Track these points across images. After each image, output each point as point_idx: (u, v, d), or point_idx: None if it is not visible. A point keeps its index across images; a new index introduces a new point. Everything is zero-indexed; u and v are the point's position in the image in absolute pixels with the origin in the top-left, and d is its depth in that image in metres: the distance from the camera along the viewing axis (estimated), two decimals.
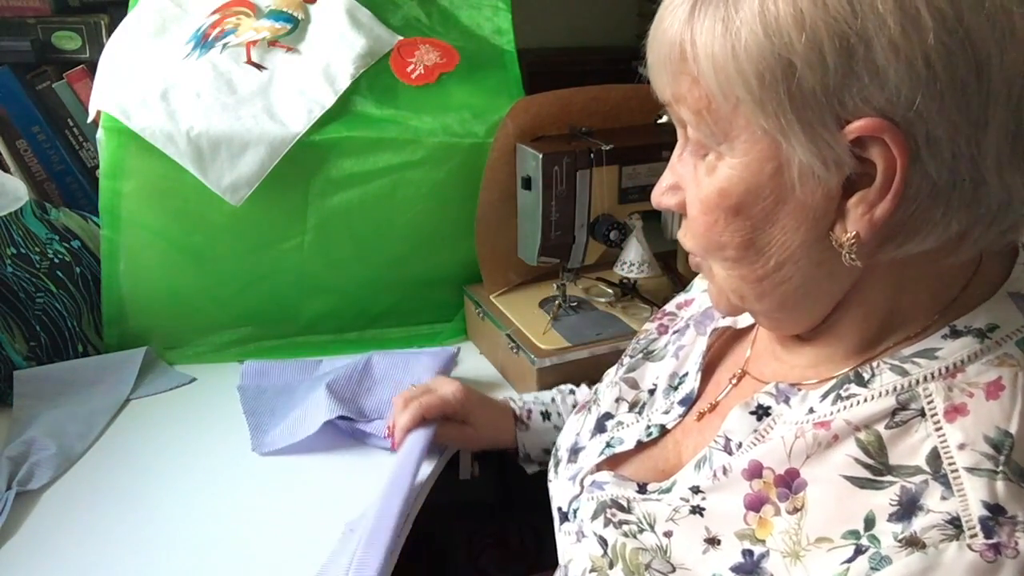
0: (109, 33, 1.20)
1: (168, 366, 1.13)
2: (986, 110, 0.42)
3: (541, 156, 1.03)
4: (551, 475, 0.73)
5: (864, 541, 0.45)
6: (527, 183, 1.07)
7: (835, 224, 0.47)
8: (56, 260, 1.11)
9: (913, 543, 0.43)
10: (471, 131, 1.14)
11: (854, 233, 0.46)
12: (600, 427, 0.70)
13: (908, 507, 0.44)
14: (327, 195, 1.12)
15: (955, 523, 0.42)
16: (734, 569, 0.50)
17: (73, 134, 1.30)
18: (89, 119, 1.11)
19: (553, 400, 0.96)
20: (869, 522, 0.45)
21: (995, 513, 0.42)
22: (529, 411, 0.94)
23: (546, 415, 0.94)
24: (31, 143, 1.28)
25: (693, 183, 0.52)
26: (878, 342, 0.51)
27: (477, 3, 1.26)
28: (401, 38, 1.19)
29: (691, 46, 0.46)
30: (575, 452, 0.70)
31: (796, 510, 0.49)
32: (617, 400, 0.70)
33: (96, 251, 1.14)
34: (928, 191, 0.44)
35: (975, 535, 0.41)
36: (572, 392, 0.97)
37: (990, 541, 0.41)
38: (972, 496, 0.43)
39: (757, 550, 0.50)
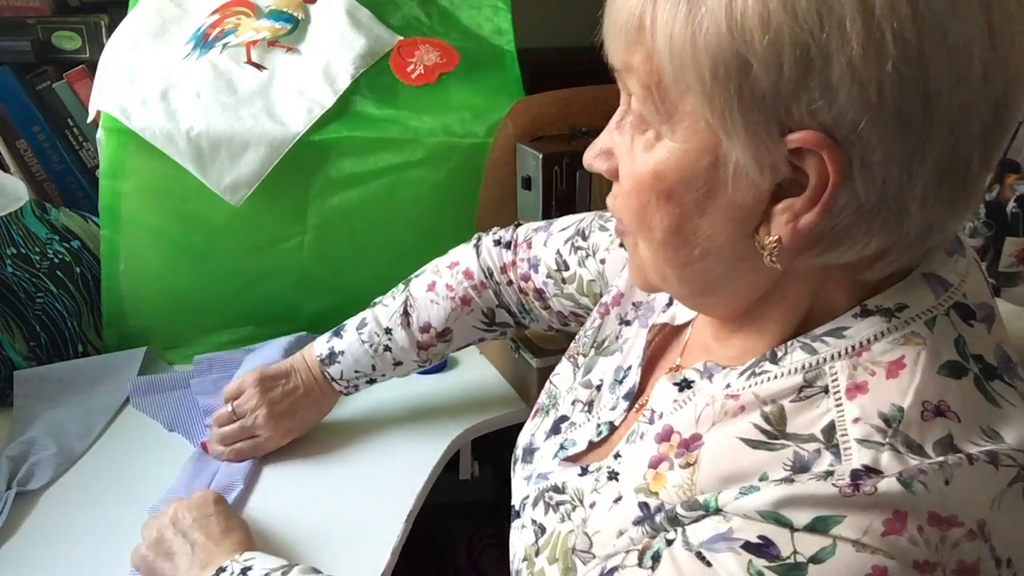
0: (109, 33, 1.20)
1: (168, 366, 1.13)
2: (925, 145, 0.42)
3: (541, 156, 1.03)
4: (512, 473, 0.74)
5: None
6: (527, 183, 1.07)
7: (760, 226, 0.47)
8: (56, 260, 1.11)
9: (785, 481, 0.45)
10: (471, 131, 1.14)
11: (776, 238, 0.46)
12: (555, 429, 0.70)
13: (799, 472, 0.46)
14: (327, 195, 1.12)
15: (828, 473, 0.44)
16: (636, 523, 0.53)
17: (73, 134, 1.30)
18: (89, 119, 1.12)
19: (374, 367, 0.94)
20: (763, 480, 0.47)
21: (868, 471, 0.43)
22: (356, 387, 0.95)
23: (372, 382, 0.95)
24: (31, 143, 1.28)
25: (628, 155, 0.51)
26: (800, 333, 0.52)
27: (477, 3, 1.26)
28: (401, 38, 1.19)
29: (651, 21, 0.45)
30: (530, 452, 0.71)
31: (689, 465, 0.51)
32: (574, 403, 0.71)
33: (96, 251, 1.14)
34: (853, 210, 0.44)
35: (842, 479, 0.43)
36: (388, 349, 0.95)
37: (853, 482, 0.43)
38: (856, 461, 0.44)
39: (652, 503, 0.52)
